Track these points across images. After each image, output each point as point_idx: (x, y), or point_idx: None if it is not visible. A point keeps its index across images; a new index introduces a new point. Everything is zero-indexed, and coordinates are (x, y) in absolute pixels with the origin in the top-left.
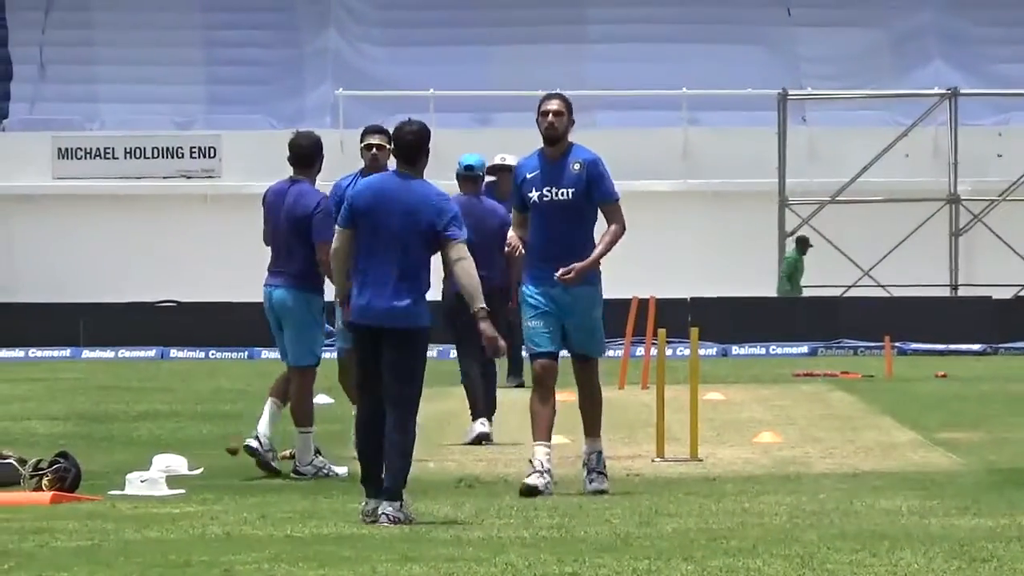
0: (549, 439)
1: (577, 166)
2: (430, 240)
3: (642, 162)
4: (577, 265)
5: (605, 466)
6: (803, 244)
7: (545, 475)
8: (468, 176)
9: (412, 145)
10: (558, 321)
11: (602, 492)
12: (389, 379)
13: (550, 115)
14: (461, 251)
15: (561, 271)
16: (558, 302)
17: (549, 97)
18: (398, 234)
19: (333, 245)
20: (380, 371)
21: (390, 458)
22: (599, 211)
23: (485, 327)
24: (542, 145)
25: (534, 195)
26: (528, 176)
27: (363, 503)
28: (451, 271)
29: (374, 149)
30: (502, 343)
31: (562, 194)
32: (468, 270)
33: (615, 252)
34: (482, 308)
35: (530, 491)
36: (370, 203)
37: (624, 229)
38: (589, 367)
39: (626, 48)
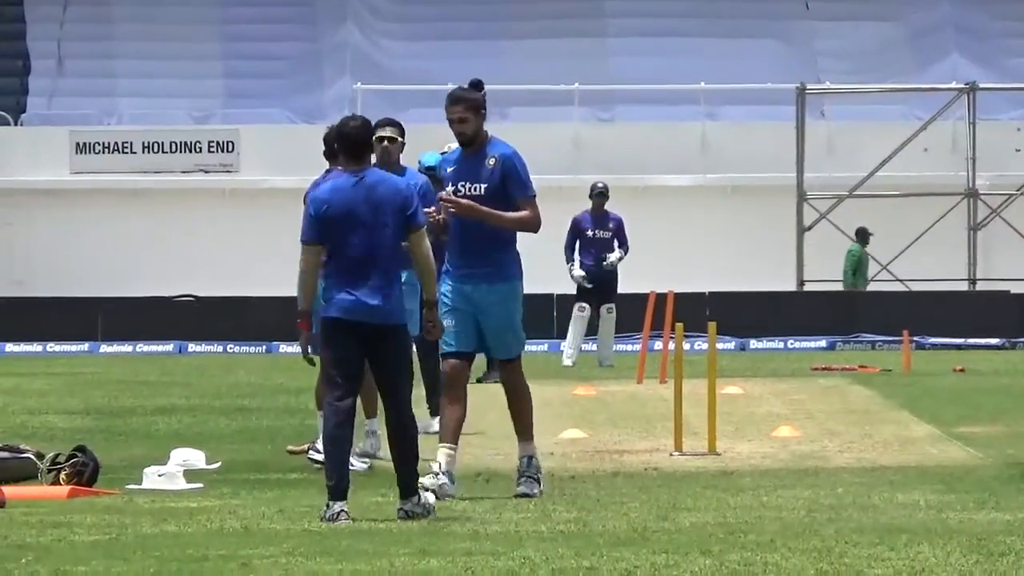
0: (454, 441)
1: (492, 161)
2: (403, 231)
3: (660, 157)
4: (470, 203)
5: (539, 471)
6: (864, 235)
7: (441, 476)
8: (428, 176)
9: (359, 140)
10: (472, 319)
11: (527, 496)
12: (388, 377)
13: (455, 123)
14: (421, 238)
15: (449, 200)
16: (474, 300)
17: (452, 102)
18: (374, 233)
19: (300, 265)
20: (358, 372)
21: (403, 453)
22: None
23: (429, 313)
24: None
25: (450, 189)
26: (449, 170)
27: (325, 509)
28: (412, 257)
29: (385, 142)
30: (440, 327)
31: (475, 189)
32: (428, 255)
33: (634, 245)
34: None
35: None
36: (338, 211)
37: (537, 223)
38: (513, 368)
39: (644, 42)
